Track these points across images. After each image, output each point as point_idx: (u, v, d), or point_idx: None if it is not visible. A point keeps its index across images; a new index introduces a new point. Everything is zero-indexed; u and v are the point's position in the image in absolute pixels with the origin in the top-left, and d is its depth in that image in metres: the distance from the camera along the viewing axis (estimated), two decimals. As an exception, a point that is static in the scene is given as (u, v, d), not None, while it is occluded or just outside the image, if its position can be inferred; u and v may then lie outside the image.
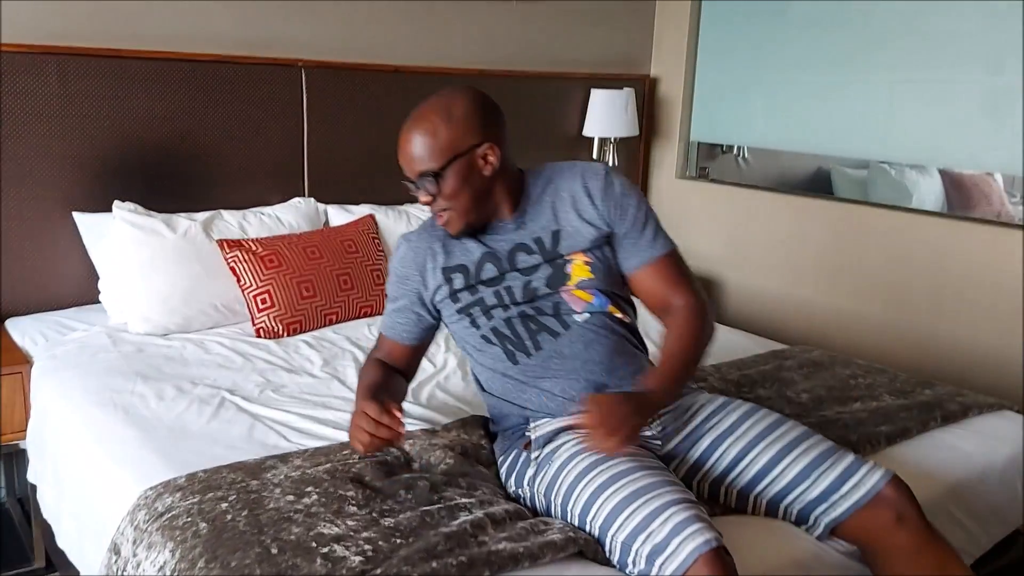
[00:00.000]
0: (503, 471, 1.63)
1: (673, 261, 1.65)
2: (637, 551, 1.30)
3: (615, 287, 1.63)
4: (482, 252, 1.62)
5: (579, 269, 1.60)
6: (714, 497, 1.56)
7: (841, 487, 1.48)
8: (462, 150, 1.52)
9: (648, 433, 1.57)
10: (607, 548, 1.37)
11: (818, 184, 3.41)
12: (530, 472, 1.55)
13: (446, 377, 2.13)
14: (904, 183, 3.17)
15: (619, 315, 1.62)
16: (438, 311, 1.68)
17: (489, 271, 1.61)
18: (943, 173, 3.02)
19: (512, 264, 1.61)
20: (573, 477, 1.45)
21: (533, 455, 1.56)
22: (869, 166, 3.27)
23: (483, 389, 1.70)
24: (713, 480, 1.56)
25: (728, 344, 2.48)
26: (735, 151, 3.72)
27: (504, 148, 1.57)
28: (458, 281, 1.62)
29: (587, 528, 1.41)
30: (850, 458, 1.52)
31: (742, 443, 1.55)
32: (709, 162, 3.77)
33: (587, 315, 1.59)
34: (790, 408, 1.92)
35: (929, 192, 3.10)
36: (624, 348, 1.61)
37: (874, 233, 3.09)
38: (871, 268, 3.10)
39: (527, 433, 1.60)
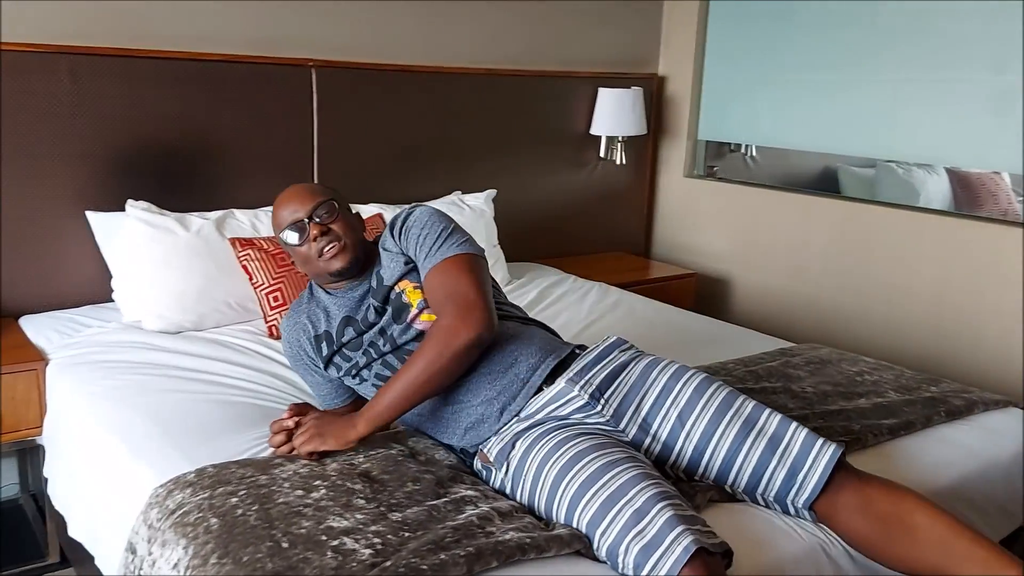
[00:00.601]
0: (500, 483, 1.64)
1: (451, 266, 1.66)
2: (624, 561, 1.31)
3: None
4: (342, 315, 1.77)
5: (412, 294, 1.71)
6: (691, 477, 1.58)
7: (802, 467, 1.51)
8: (343, 198, 1.80)
9: (593, 420, 1.58)
10: (596, 545, 1.38)
11: (825, 183, 3.42)
12: (508, 485, 1.56)
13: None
14: (911, 182, 3.18)
15: None
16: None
17: (349, 334, 1.75)
18: (950, 172, 3.03)
19: (365, 321, 1.74)
20: (550, 487, 1.46)
21: (501, 472, 1.57)
22: (876, 165, 3.27)
23: (409, 426, 1.78)
24: (686, 465, 1.57)
25: (734, 341, 2.50)
26: (743, 150, 3.74)
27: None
28: (326, 348, 1.78)
29: (575, 524, 1.41)
30: (802, 435, 1.53)
31: (703, 424, 1.56)
32: (717, 161, 3.78)
33: None
34: (794, 402, 1.93)
35: (936, 191, 3.10)
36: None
37: (881, 232, 3.10)
38: (878, 267, 3.10)
39: (481, 448, 1.62)
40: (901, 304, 3.04)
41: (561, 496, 1.43)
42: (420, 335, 1.68)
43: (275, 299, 2.38)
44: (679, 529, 1.28)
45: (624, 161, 3.60)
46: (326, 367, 1.80)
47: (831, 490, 1.50)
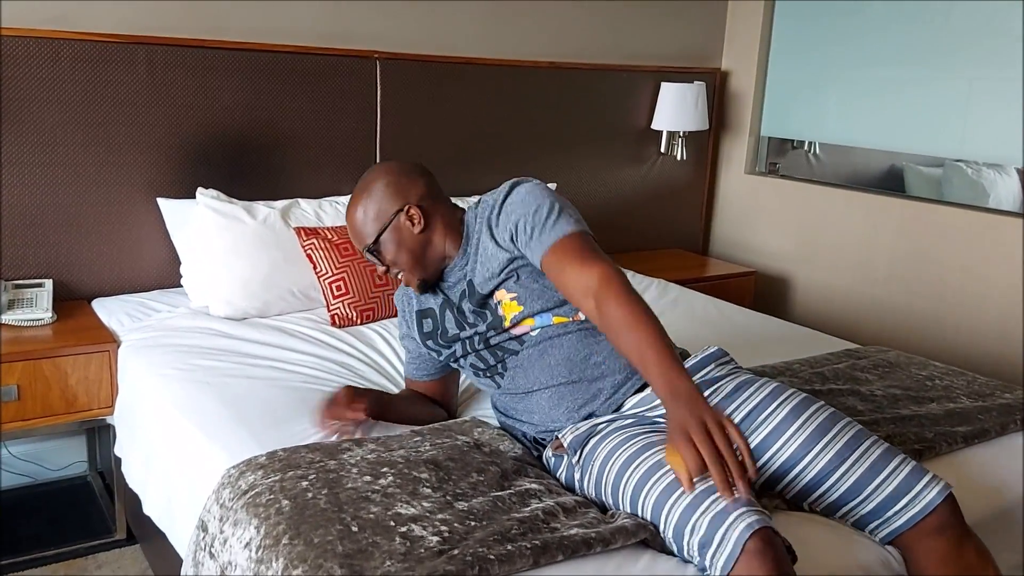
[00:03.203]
0: (553, 469, 1.65)
1: (574, 243, 1.55)
2: (688, 543, 1.31)
3: (549, 301, 1.66)
4: (441, 301, 1.76)
5: (508, 307, 1.67)
6: (769, 489, 1.54)
7: (896, 504, 1.44)
8: (387, 220, 1.68)
9: None
10: (665, 540, 1.37)
11: (891, 182, 3.35)
12: (576, 475, 1.57)
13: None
14: (981, 182, 3.10)
15: (565, 320, 1.66)
16: None
17: (451, 326, 1.74)
18: (1022, 173, 2.94)
19: (463, 318, 1.72)
20: (615, 474, 1.45)
21: (574, 459, 1.57)
22: (944, 164, 3.20)
23: (494, 407, 1.81)
24: (766, 481, 1.53)
25: (798, 342, 2.46)
26: (806, 147, 3.68)
27: (430, 200, 1.72)
28: (429, 326, 1.78)
29: (639, 517, 1.41)
30: (904, 471, 1.46)
31: (795, 445, 1.49)
32: (779, 158, 3.73)
33: (536, 331, 1.66)
34: (863, 405, 1.89)
35: (1007, 192, 3.02)
36: (582, 343, 1.64)
37: (949, 233, 3.02)
38: (946, 269, 3.03)
39: (557, 436, 1.63)
40: (970, 308, 2.96)
41: (626, 483, 1.43)
42: (514, 338, 1.68)
43: (338, 288, 2.41)
44: (746, 508, 1.26)
45: (685, 157, 3.57)
46: (423, 343, 1.80)
47: (920, 531, 1.43)
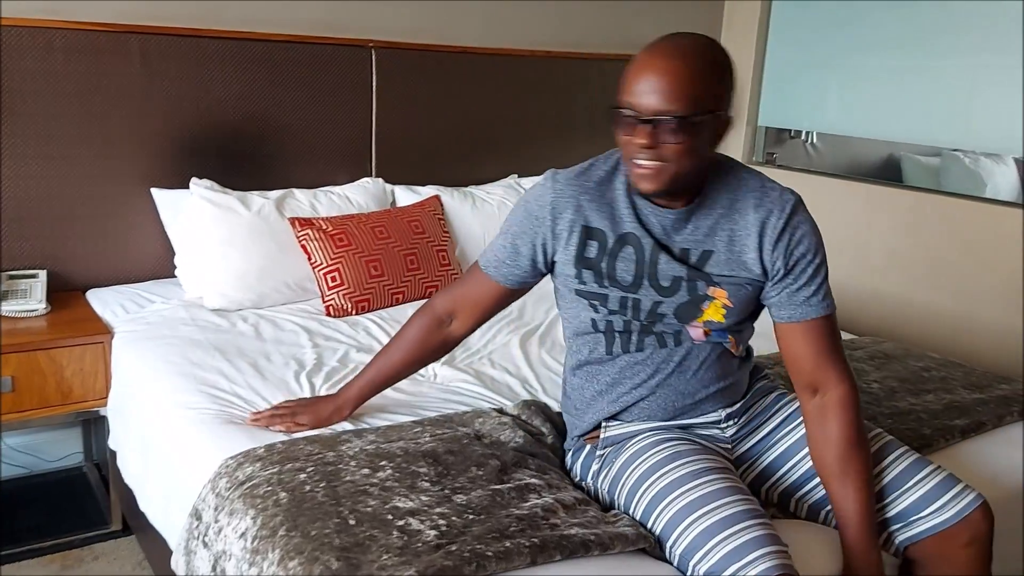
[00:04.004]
0: (568, 457, 1.64)
1: (828, 328, 1.47)
2: (695, 567, 1.28)
3: (743, 327, 1.54)
4: (632, 228, 1.44)
5: (714, 310, 1.47)
6: (784, 507, 1.54)
7: (924, 509, 1.42)
8: (712, 108, 1.33)
9: (721, 434, 1.55)
10: (668, 554, 1.35)
11: (888, 171, 3.34)
12: (595, 467, 1.55)
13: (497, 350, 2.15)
14: (978, 172, 3.10)
15: (732, 349, 1.53)
16: (553, 264, 1.52)
17: (625, 270, 1.45)
18: (1020, 162, 2.94)
19: (652, 272, 1.45)
20: (637, 478, 1.43)
21: (599, 452, 1.55)
22: (942, 154, 3.19)
23: (573, 367, 1.60)
24: (784, 490, 1.53)
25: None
26: (803, 136, 3.67)
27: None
28: (591, 250, 1.46)
29: (648, 532, 1.39)
30: (936, 479, 1.45)
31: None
32: (777, 147, 3.72)
33: (701, 343, 1.51)
34: (861, 397, 1.89)
35: (1005, 181, 3.02)
36: (718, 382, 1.53)
37: (947, 223, 3.02)
38: (943, 259, 3.03)
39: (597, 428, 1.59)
40: (968, 298, 2.96)
41: (646, 490, 1.40)
42: (679, 331, 1.50)
43: (333, 279, 2.40)
44: (771, 548, 1.24)
45: (681, 146, 3.56)
46: (576, 266, 1.48)
47: (946, 538, 1.41)
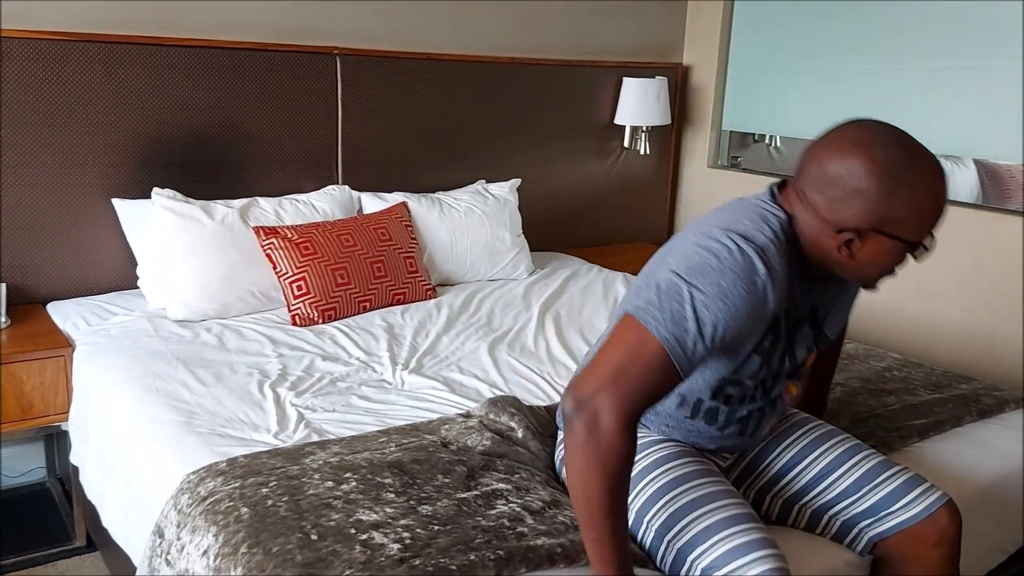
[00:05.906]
0: (558, 459, 1.63)
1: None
2: (693, 563, 1.30)
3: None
4: (794, 310, 1.36)
5: (809, 361, 1.50)
6: (784, 515, 1.55)
7: (892, 505, 1.46)
8: (865, 226, 1.33)
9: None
10: (660, 553, 1.35)
11: (851, 174, 3.38)
12: None
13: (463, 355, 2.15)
14: (939, 173, 3.14)
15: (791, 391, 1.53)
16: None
17: (783, 343, 1.38)
18: (978, 164, 2.99)
19: (789, 338, 1.38)
20: (638, 471, 1.43)
21: None
22: (903, 156, 3.23)
23: (689, 397, 1.45)
24: (788, 498, 1.54)
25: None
26: (767, 140, 3.70)
27: None
28: (767, 342, 1.34)
29: (643, 529, 1.39)
30: (903, 477, 1.48)
31: (794, 450, 1.54)
32: (741, 151, 3.75)
33: (786, 397, 1.52)
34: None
35: (964, 183, 3.06)
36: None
37: (908, 224, 3.05)
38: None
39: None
40: (927, 298, 3.00)
41: (644, 487, 1.40)
42: (780, 396, 1.48)
43: (299, 288, 2.38)
44: (770, 551, 1.26)
45: (648, 151, 3.58)
46: (755, 346, 1.34)
47: (913, 536, 1.44)
